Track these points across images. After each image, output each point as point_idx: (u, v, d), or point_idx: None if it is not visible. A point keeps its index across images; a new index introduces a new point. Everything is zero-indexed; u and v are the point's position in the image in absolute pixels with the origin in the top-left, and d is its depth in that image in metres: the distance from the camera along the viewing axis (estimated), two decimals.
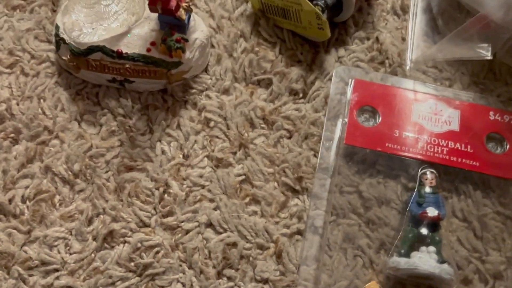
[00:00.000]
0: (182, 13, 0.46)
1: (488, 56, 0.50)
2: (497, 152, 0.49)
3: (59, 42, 0.48)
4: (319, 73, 0.52)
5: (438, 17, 0.55)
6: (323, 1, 0.50)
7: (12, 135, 0.48)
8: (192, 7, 0.48)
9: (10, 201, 0.46)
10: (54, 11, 0.53)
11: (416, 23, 0.55)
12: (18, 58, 0.51)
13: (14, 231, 0.45)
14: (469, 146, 0.48)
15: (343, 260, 0.45)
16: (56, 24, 0.48)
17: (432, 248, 0.43)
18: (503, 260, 0.46)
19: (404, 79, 0.52)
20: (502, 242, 0.46)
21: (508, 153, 0.49)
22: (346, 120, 0.49)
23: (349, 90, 0.50)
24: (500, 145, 0.49)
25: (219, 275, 0.45)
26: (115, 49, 0.47)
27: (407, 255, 0.44)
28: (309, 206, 0.47)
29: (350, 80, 0.51)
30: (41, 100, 0.50)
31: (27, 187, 0.47)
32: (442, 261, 0.43)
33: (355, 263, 0.45)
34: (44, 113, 0.49)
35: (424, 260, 0.43)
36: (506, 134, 0.49)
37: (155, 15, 0.47)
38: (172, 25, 0.47)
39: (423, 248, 0.44)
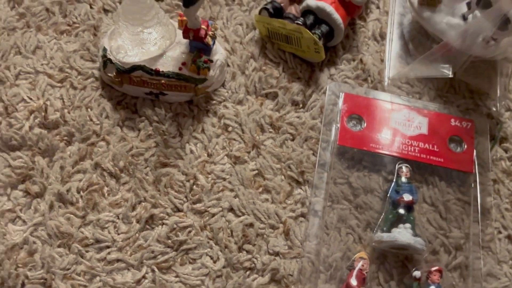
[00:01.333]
0: (209, 40, 0.57)
1: (450, 74, 0.63)
2: (457, 151, 0.61)
3: (106, 62, 0.58)
4: (315, 87, 0.64)
5: (409, 42, 0.67)
6: (319, 31, 0.62)
7: (66, 138, 0.59)
8: (215, 35, 0.59)
9: (67, 191, 0.56)
10: (95, 35, 0.64)
11: (392, 47, 0.67)
12: (67, 74, 0.62)
13: (72, 216, 0.55)
14: (435, 146, 0.61)
15: (338, 236, 0.57)
16: (104, 47, 0.59)
17: (408, 225, 0.55)
18: (462, 236, 0.58)
19: (383, 92, 0.64)
20: (461, 222, 0.59)
21: (466, 152, 0.61)
22: (338, 125, 0.61)
23: (340, 102, 0.62)
24: (459, 145, 0.62)
25: (240, 249, 0.56)
26: (153, 68, 0.58)
27: (388, 231, 0.55)
28: (310, 194, 0.58)
29: (340, 93, 0.63)
30: (89, 109, 0.60)
31: (80, 180, 0.57)
32: (416, 235, 0.55)
33: (347, 239, 0.57)
34: (91, 120, 0.60)
35: (402, 234, 0.55)
36: (464, 137, 0.62)
37: (185, 40, 0.58)
38: (200, 48, 0.58)
39: (401, 225, 0.56)
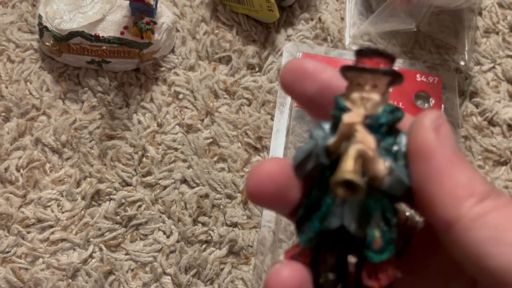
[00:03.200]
0: (150, 0, 0.53)
1: (413, 27, 0.59)
2: (425, 107, 0.58)
3: (43, 30, 0.54)
4: (271, 49, 0.60)
5: None
6: None
7: (4, 114, 0.55)
8: None
9: (5, 170, 0.52)
10: (34, 5, 0.60)
11: (352, 5, 0.63)
12: (4, 47, 0.58)
13: (11, 195, 0.51)
14: (401, 103, 0.57)
15: None
16: (39, 14, 0.55)
17: None
18: None
19: (344, 51, 0.60)
20: None
21: (433, 107, 0.57)
22: None
23: None
24: (426, 101, 0.58)
25: (195, 222, 0.52)
26: (93, 33, 0.54)
27: None
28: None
29: (298, 54, 0.59)
30: (28, 83, 0.56)
31: (20, 158, 0.53)
32: None
33: None
34: (31, 93, 0.56)
35: None
36: (431, 92, 0.58)
37: (126, 3, 0.54)
38: (142, 10, 0.54)
39: None
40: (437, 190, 0.20)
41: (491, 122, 0.59)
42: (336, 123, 0.22)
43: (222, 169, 0.54)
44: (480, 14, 0.64)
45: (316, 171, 0.22)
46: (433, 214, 0.20)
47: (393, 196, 0.21)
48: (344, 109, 0.22)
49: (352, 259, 0.24)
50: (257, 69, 0.59)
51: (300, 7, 0.63)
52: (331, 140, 0.22)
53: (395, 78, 0.22)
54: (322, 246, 0.23)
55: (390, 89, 0.23)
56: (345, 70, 0.22)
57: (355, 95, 0.22)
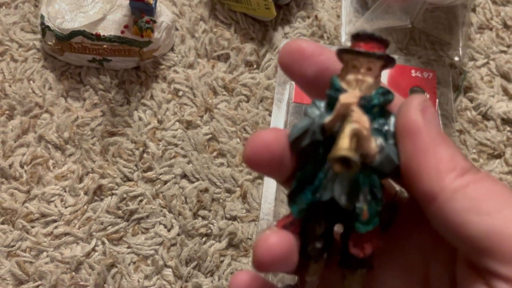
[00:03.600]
0: None
1: (408, 24, 0.60)
2: None
3: (45, 29, 0.56)
4: (269, 47, 0.61)
5: None
6: None
7: (7, 112, 0.56)
8: None
9: (10, 166, 0.53)
10: (36, 6, 0.61)
11: (348, 2, 0.65)
12: (7, 47, 0.59)
13: (15, 191, 0.53)
14: None
15: None
16: (41, 14, 0.56)
17: None
18: None
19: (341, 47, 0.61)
20: None
21: None
22: (293, 83, 0.58)
23: None
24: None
25: (195, 215, 0.53)
26: (94, 33, 0.55)
27: None
28: None
29: None
30: (31, 82, 0.57)
31: (24, 154, 0.54)
32: None
33: None
34: (34, 92, 0.57)
35: None
36: (425, 87, 0.59)
37: (127, 2, 0.56)
38: (142, 9, 0.55)
39: None
40: (422, 165, 0.21)
41: (485, 116, 0.60)
42: (331, 103, 0.23)
43: (221, 164, 0.56)
44: (474, 10, 0.65)
45: (311, 147, 0.24)
46: (418, 188, 0.22)
47: (382, 173, 0.23)
48: (340, 90, 0.23)
49: (338, 230, 0.25)
50: (255, 66, 0.60)
51: (297, 5, 0.64)
52: (327, 119, 0.23)
53: (389, 62, 0.23)
54: (311, 217, 0.24)
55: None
56: (342, 53, 0.23)
57: (351, 77, 0.23)
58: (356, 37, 0.23)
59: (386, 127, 0.23)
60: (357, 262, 0.24)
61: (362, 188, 0.23)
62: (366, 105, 0.23)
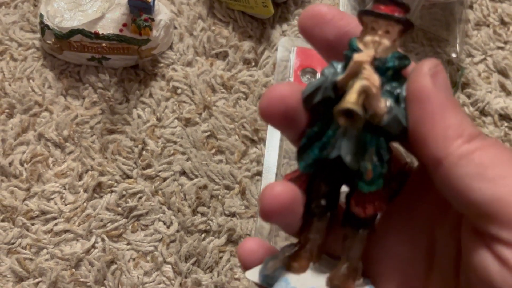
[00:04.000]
0: None
1: None
2: None
3: (44, 28, 0.56)
4: (267, 44, 0.62)
5: None
6: None
7: (7, 110, 0.56)
8: None
9: (10, 164, 0.54)
10: (35, 5, 0.62)
11: (345, 0, 0.65)
12: (7, 46, 0.59)
13: (16, 189, 0.53)
14: None
15: None
16: (41, 13, 0.56)
17: None
18: None
19: None
20: None
21: None
22: (291, 79, 0.59)
23: (293, 56, 0.60)
24: None
25: (194, 212, 0.53)
26: (92, 31, 0.55)
27: None
28: (265, 152, 0.56)
29: (293, 48, 0.61)
30: (30, 80, 0.58)
31: (24, 152, 0.54)
32: None
33: None
34: (33, 90, 0.57)
35: None
36: None
37: (125, 1, 0.56)
38: (140, 8, 0.56)
39: None
40: (430, 131, 0.22)
41: (483, 112, 0.60)
42: (347, 63, 0.23)
43: (220, 161, 0.56)
44: (470, 7, 0.65)
45: (322, 104, 0.24)
46: (425, 152, 0.22)
47: (390, 135, 0.23)
48: (356, 50, 0.23)
49: (344, 189, 0.26)
50: (253, 63, 0.61)
51: (295, 3, 0.65)
52: (340, 77, 0.23)
53: (407, 26, 0.23)
54: (318, 174, 0.25)
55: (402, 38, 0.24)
56: (362, 14, 0.24)
57: (368, 38, 0.23)
58: (377, 0, 0.24)
59: (398, 90, 0.23)
60: (359, 222, 0.25)
61: (368, 148, 0.23)
62: (380, 67, 0.23)
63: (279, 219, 0.24)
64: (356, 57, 0.23)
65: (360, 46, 0.23)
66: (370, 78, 0.22)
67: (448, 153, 0.21)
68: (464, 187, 0.21)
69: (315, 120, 0.25)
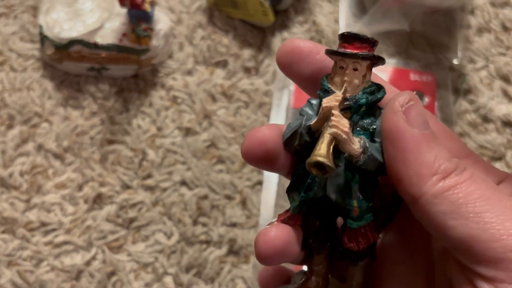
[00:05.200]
0: (147, 6, 0.55)
1: (406, 27, 0.60)
2: None
3: (43, 39, 0.56)
4: (267, 53, 0.61)
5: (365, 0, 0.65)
6: None
7: (7, 121, 0.56)
8: (154, 1, 0.57)
9: (10, 175, 0.54)
10: (34, 16, 0.61)
11: (346, 7, 0.65)
12: (6, 57, 0.59)
13: (16, 200, 0.53)
14: None
15: None
16: (40, 24, 0.56)
17: None
18: None
19: None
20: None
21: (428, 106, 0.58)
22: (291, 88, 0.58)
23: None
24: (420, 99, 0.59)
25: (195, 222, 0.53)
26: (92, 41, 0.55)
27: None
28: None
29: None
30: (30, 91, 0.58)
31: (24, 164, 0.54)
32: None
33: None
34: (33, 101, 0.57)
35: None
36: (425, 90, 0.59)
37: (125, 10, 0.56)
38: (140, 17, 0.55)
39: None
40: (404, 169, 0.22)
41: (485, 119, 0.59)
42: (320, 103, 0.24)
43: (221, 170, 0.56)
44: (472, 13, 0.65)
45: (301, 147, 0.24)
46: (401, 190, 0.22)
47: (374, 173, 0.23)
48: (328, 91, 0.24)
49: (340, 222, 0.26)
50: (253, 72, 0.60)
51: (295, 11, 0.64)
52: (313, 122, 0.24)
53: (375, 60, 0.23)
54: (310, 211, 0.25)
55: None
56: (329, 54, 0.24)
57: (337, 78, 0.24)
58: (341, 37, 0.24)
59: (374, 126, 0.23)
60: (355, 255, 0.25)
61: (352, 186, 0.23)
62: (352, 105, 0.23)
63: (276, 262, 0.25)
64: (325, 102, 0.23)
65: (331, 86, 0.24)
66: (339, 124, 0.22)
67: (423, 192, 0.21)
68: (440, 224, 0.21)
69: (299, 160, 0.25)
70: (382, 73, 0.59)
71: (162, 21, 0.58)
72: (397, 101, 0.22)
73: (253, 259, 0.52)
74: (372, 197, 0.23)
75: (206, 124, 0.57)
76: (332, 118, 0.22)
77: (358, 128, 0.23)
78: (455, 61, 0.62)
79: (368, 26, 0.61)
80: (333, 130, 0.22)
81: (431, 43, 0.63)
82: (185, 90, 0.59)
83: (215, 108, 0.58)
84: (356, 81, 0.23)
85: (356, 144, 0.23)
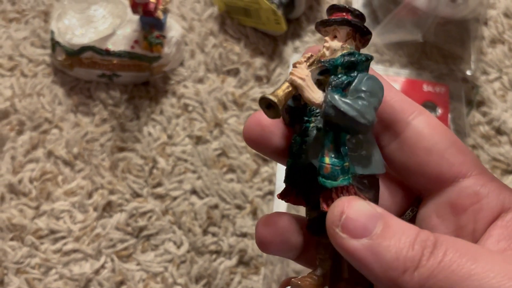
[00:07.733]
0: (159, 13, 0.54)
1: (419, 38, 0.60)
2: None
3: (55, 45, 0.56)
4: (279, 61, 0.61)
5: (377, 10, 0.64)
6: (277, 0, 0.59)
7: (17, 127, 0.56)
8: (167, 9, 0.56)
9: (19, 182, 0.53)
10: (46, 21, 0.61)
11: None
12: (17, 62, 0.59)
13: (25, 207, 0.52)
14: None
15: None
16: (51, 29, 0.56)
17: None
18: None
19: None
20: None
21: (441, 117, 0.58)
22: None
23: None
24: (433, 111, 0.59)
25: (205, 232, 0.53)
26: (103, 48, 0.55)
27: None
28: (276, 171, 0.55)
29: None
30: (41, 97, 0.57)
31: (33, 170, 0.54)
32: None
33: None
34: (43, 107, 0.57)
35: None
36: (437, 102, 0.59)
37: (137, 17, 0.55)
38: (152, 24, 0.55)
39: None
40: (377, 281, 0.21)
41: (499, 131, 0.59)
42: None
43: (231, 179, 0.55)
44: (485, 24, 0.65)
45: (288, 115, 0.26)
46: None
47: (347, 130, 0.23)
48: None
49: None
50: (265, 81, 0.60)
51: (307, 19, 0.64)
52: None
53: (351, 25, 0.25)
54: (307, 189, 0.26)
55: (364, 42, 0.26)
56: (316, 27, 0.26)
57: (321, 46, 0.25)
58: (326, 11, 0.26)
59: (345, 82, 0.24)
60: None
61: (325, 143, 0.24)
62: (330, 67, 0.24)
63: (275, 247, 0.26)
64: (293, 62, 0.25)
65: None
66: (296, 72, 0.23)
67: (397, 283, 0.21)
68: None
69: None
70: (395, 83, 0.58)
71: (174, 28, 0.58)
72: (329, 220, 0.22)
73: (263, 270, 0.51)
74: (347, 157, 0.23)
75: (217, 133, 0.57)
76: (293, 69, 0.23)
77: (331, 87, 0.24)
78: (468, 72, 0.61)
79: (381, 36, 0.60)
80: (290, 76, 0.23)
81: (444, 54, 0.63)
82: (196, 98, 0.58)
83: (226, 116, 0.58)
84: (334, 46, 0.24)
85: (318, 93, 0.23)
